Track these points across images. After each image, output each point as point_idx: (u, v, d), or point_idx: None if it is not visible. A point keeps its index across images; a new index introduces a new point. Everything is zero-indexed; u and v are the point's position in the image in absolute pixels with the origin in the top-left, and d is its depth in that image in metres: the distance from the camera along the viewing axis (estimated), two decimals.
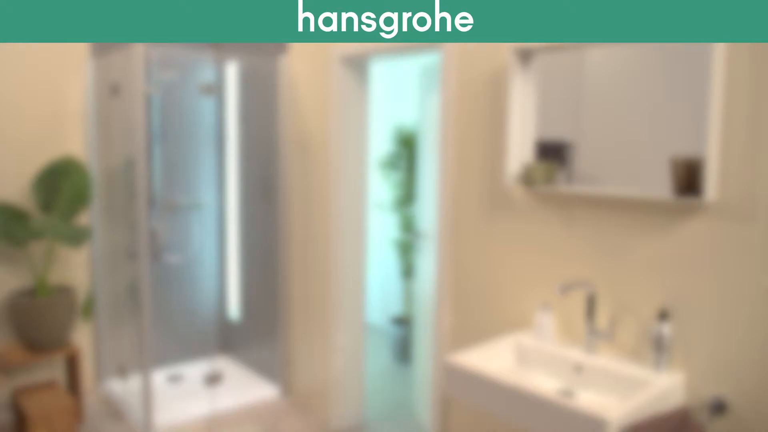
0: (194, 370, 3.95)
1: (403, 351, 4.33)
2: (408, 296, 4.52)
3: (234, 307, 4.16)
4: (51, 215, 3.14)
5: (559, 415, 1.64)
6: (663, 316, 1.84)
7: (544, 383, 2.03)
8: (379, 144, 4.80)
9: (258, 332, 3.92)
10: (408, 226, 4.31)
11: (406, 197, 4.32)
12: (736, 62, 1.68)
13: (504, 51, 2.27)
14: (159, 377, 3.82)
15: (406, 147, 4.26)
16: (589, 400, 1.90)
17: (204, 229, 4.06)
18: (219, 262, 4.17)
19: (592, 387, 1.94)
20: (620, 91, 1.92)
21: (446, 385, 1.95)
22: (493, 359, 2.09)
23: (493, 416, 1.84)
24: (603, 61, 1.96)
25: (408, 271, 4.41)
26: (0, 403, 3.28)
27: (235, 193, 4.05)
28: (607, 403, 1.88)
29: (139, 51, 2.96)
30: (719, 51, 1.67)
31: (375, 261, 5.11)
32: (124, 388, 3.49)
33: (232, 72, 3.97)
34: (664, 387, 1.77)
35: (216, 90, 3.52)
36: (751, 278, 1.69)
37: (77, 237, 3.00)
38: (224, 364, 4.07)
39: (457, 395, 1.93)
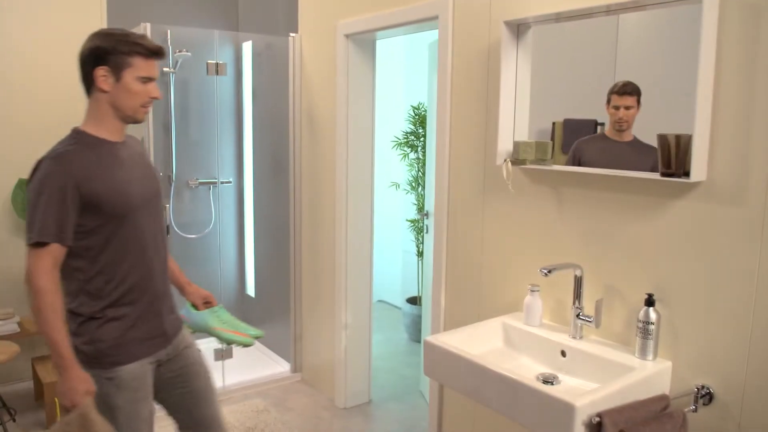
0: (208, 345, 4.03)
1: (418, 330, 4.32)
2: (421, 276, 4.49)
3: (250, 284, 4.22)
4: None
5: (529, 399, 1.60)
6: (650, 301, 1.77)
7: (529, 367, 1.99)
8: (399, 123, 4.75)
9: (270, 309, 3.97)
10: (421, 206, 4.27)
11: (422, 176, 4.27)
12: (727, 37, 1.58)
13: (499, 25, 2.19)
14: None
15: (423, 125, 4.21)
16: (571, 384, 1.85)
17: (220, 206, 4.11)
18: (236, 239, 4.23)
19: (577, 372, 1.89)
20: (655, 65, 1.75)
21: (425, 365, 1.94)
22: (481, 341, 2.05)
23: (469, 397, 1.81)
24: (636, 32, 1.79)
25: (421, 250, 4.39)
26: (19, 372, 3.43)
27: (251, 171, 4.08)
28: (589, 388, 1.82)
29: (146, 30, 3.00)
30: (709, 24, 1.57)
31: (395, 240, 5.09)
32: None
33: (247, 51, 3.98)
34: (647, 374, 1.71)
35: (223, 69, 3.55)
36: (740, 263, 1.60)
37: None
38: None
39: (435, 375, 1.91)
